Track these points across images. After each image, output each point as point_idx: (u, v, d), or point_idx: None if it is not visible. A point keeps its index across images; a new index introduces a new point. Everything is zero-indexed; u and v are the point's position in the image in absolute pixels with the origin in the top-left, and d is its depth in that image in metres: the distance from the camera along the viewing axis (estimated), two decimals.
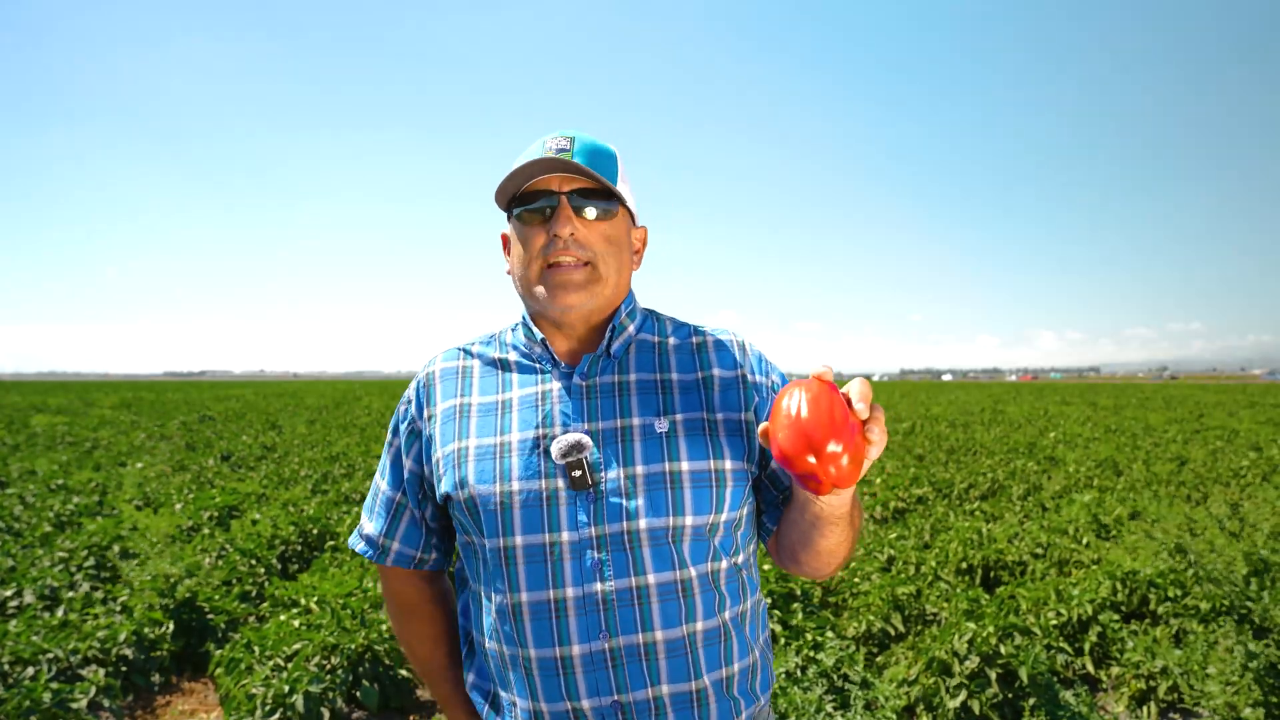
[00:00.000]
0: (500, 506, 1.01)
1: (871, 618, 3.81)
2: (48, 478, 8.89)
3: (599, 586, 0.99)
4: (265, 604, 4.27)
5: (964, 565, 4.89)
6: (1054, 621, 3.74)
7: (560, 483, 1.01)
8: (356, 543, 1.19)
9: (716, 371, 1.10)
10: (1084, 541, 5.36)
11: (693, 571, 1.02)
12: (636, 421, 1.04)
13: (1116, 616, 3.88)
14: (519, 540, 1.00)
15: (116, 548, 5.36)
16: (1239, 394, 41.33)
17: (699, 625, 1.02)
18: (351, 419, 19.88)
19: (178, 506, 7.20)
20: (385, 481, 1.17)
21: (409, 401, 1.15)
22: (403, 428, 1.15)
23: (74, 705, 2.91)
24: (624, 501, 1.00)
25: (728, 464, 1.04)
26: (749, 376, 1.11)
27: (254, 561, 4.87)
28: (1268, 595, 3.86)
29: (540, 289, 1.06)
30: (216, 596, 4.24)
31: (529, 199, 1.07)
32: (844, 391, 0.88)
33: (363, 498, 7.65)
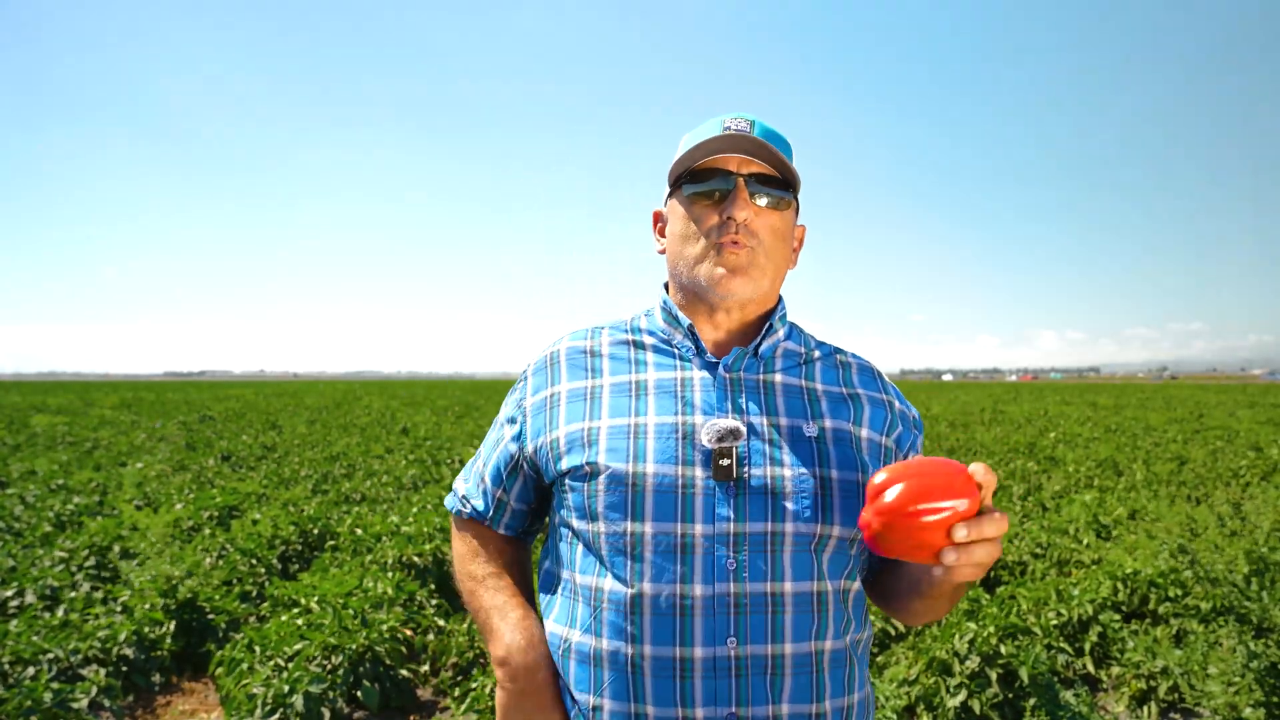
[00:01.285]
0: (631, 490, 0.94)
1: (871, 617, 3.82)
2: (48, 478, 8.89)
3: (731, 587, 0.92)
4: (266, 604, 4.27)
5: None
6: (1054, 621, 3.74)
7: (699, 471, 0.94)
8: (449, 496, 1.19)
9: (862, 391, 1.07)
10: (1084, 541, 5.35)
11: (829, 585, 0.96)
12: (784, 421, 0.99)
13: (1117, 616, 3.89)
14: (648, 528, 0.93)
15: (117, 548, 5.35)
16: (1239, 394, 41.36)
17: (828, 644, 0.96)
18: (351, 419, 19.89)
19: (178, 506, 7.19)
20: (485, 449, 1.15)
21: (525, 379, 1.11)
22: (510, 401, 1.12)
23: (75, 705, 2.91)
24: (770, 500, 0.94)
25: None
26: (895, 404, 1.09)
27: (254, 561, 4.87)
28: (1267, 595, 3.86)
29: (703, 270, 1.01)
30: (217, 596, 4.24)
31: (701, 177, 1.02)
32: (985, 505, 0.83)
33: (363, 497, 7.72)
